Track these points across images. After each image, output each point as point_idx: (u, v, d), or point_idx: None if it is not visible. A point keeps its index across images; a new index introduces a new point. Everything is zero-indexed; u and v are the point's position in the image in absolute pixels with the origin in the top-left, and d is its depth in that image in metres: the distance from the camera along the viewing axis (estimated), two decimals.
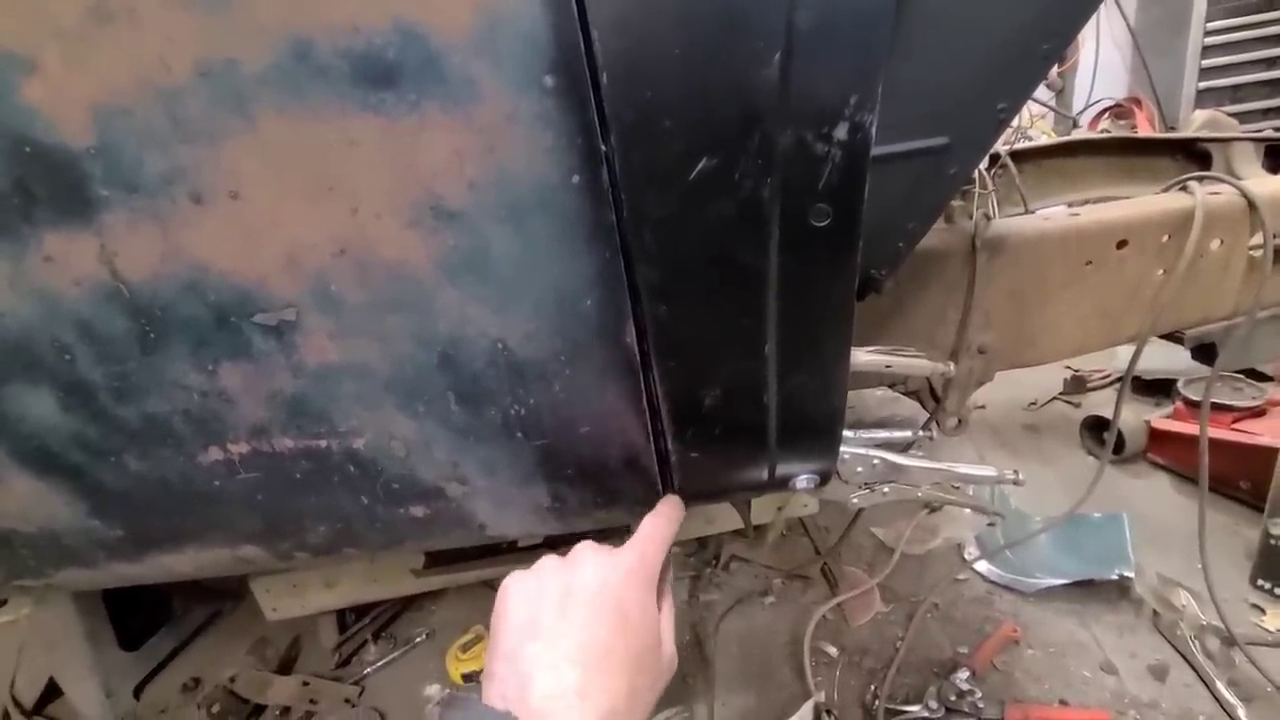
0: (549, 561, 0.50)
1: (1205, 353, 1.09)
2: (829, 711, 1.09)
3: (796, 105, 0.42)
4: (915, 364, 0.75)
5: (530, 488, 0.57)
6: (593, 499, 0.58)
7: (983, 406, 2.07)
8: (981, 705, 1.04)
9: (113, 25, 0.40)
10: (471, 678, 1.31)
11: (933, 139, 0.56)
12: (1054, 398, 2.05)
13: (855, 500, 0.70)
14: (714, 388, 0.52)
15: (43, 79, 0.41)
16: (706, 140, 0.43)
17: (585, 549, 0.51)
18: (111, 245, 0.46)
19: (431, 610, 1.56)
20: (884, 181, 0.57)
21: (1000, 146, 1.83)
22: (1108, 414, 1.60)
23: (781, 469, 0.59)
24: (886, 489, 0.70)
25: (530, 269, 0.47)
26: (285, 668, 1.44)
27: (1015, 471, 0.71)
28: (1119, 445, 1.63)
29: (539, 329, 0.49)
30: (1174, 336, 1.12)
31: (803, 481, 0.60)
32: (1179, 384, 1.65)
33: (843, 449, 0.69)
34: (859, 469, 0.69)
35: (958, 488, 0.74)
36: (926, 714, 1.05)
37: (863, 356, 0.73)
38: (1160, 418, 1.64)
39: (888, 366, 0.74)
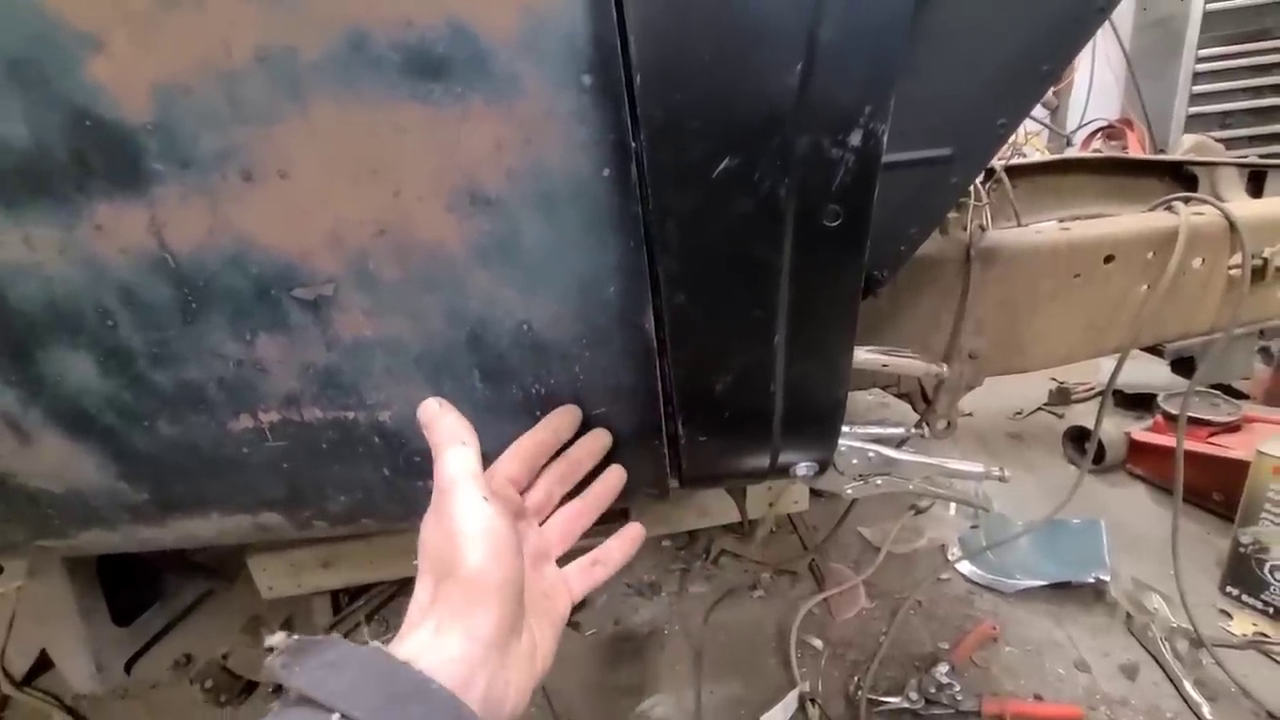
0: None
1: (1184, 366, 1.14)
2: (813, 701, 1.13)
3: (815, 112, 0.45)
4: (910, 364, 0.79)
5: None
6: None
7: (970, 414, 2.12)
8: (960, 698, 1.08)
9: (179, 9, 0.42)
10: None
11: (937, 149, 0.60)
12: (1039, 408, 2.11)
13: (849, 491, 0.73)
14: (725, 375, 0.55)
15: (108, 57, 0.43)
16: (730, 141, 0.46)
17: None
18: (161, 217, 0.48)
19: None
20: (890, 187, 0.60)
21: (995, 162, 1.89)
22: (1090, 425, 1.65)
23: (783, 456, 0.62)
24: (880, 481, 0.73)
25: (559, 256, 0.49)
26: None
27: (1001, 468, 0.75)
28: (1100, 455, 1.69)
29: (563, 313, 0.52)
30: (1155, 350, 1.17)
31: (802, 469, 0.63)
32: (1159, 398, 1.71)
33: (839, 441, 0.73)
34: (854, 460, 0.73)
35: (948, 483, 0.77)
36: (907, 705, 1.09)
37: (862, 354, 0.77)
38: (1140, 430, 1.69)
39: (884, 365, 0.77)
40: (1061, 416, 2.05)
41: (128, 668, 1.45)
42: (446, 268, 0.50)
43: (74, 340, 0.53)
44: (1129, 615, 1.22)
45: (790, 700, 1.14)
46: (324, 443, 0.57)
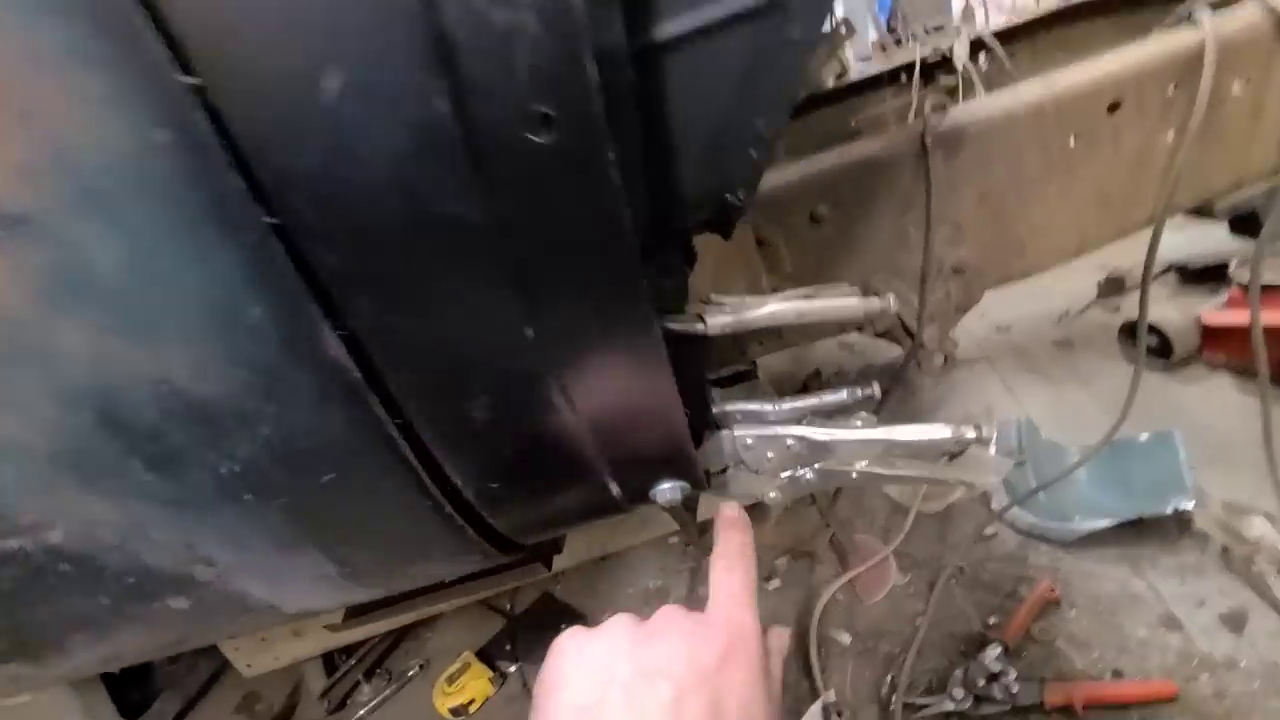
0: (622, 624, 0.39)
1: (1246, 224, 0.88)
2: (839, 714, 0.95)
3: None
4: (839, 305, 0.58)
5: (300, 556, 0.43)
6: (388, 558, 0.45)
7: (1007, 328, 1.85)
8: (1016, 690, 0.87)
9: None
10: (460, 711, 1.22)
11: None
12: (1088, 305, 1.81)
13: (774, 495, 0.55)
14: (476, 396, 0.37)
15: None
16: (329, 38, 0.28)
17: (671, 615, 0.40)
18: None
19: (426, 638, 1.48)
20: (706, 68, 0.41)
21: (985, 29, 1.59)
22: (1153, 316, 1.37)
23: (626, 483, 0.44)
24: (810, 474, 0.54)
25: (153, 276, 0.33)
26: (283, 718, 1.39)
27: (978, 427, 0.54)
28: (1166, 348, 1.41)
29: (205, 358, 0.35)
30: (1205, 211, 0.91)
31: (666, 494, 0.45)
32: (1231, 267, 1.40)
33: (745, 432, 0.54)
34: (769, 454, 0.54)
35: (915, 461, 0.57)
36: (951, 705, 0.90)
37: (770, 308, 0.56)
38: (1212, 310, 1.40)
39: (801, 315, 0.57)
40: (1117, 310, 1.75)
41: None
42: (11, 326, 0.34)
43: None
44: (1225, 548, 0.97)
45: (812, 716, 0.96)
46: (3, 582, 0.43)
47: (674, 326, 0.51)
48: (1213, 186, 0.83)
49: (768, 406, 0.60)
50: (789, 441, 0.53)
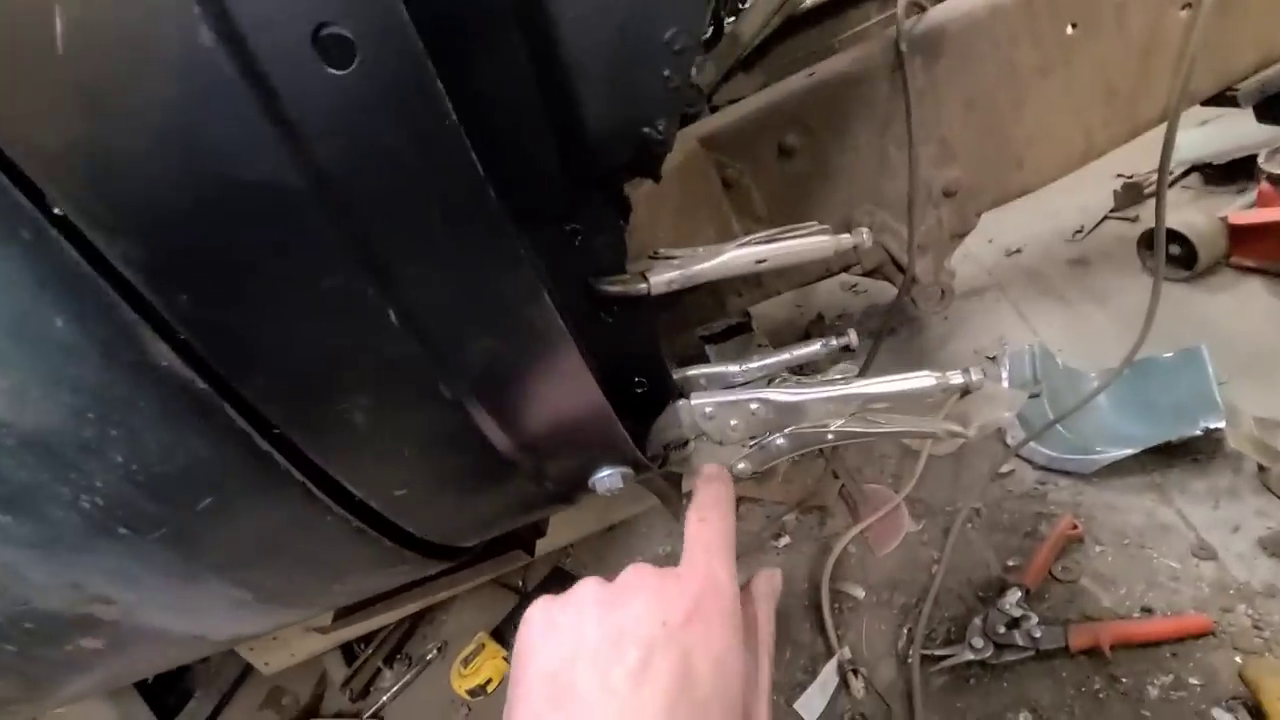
0: (589, 587, 0.38)
1: (1275, 108, 0.78)
2: (855, 671, 0.92)
3: None
4: (803, 246, 0.51)
5: (203, 585, 0.39)
6: (304, 579, 0.40)
7: (1018, 251, 1.75)
8: (1038, 634, 0.83)
9: None
10: (478, 692, 1.22)
11: None
12: (1104, 218, 1.69)
13: (741, 466, 0.49)
14: (349, 396, 0.31)
15: None
16: None
17: (640, 572, 0.38)
18: None
19: (442, 620, 1.48)
20: None
21: None
22: (1174, 222, 1.27)
23: (554, 476, 0.38)
24: (781, 440, 0.48)
25: None
26: (311, 712, 1.40)
27: (969, 369, 0.48)
28: (1190, 255, 1.30)
29: (17, 383, 0.30)
30: (1227, 98, 0.81)
31: (605, 482, 0.40)
32: (1260, 159, 1.29)
33: (703, 400, 0.48)
34: (733, 422, 0.48)
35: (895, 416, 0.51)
36: (971, 655, 0.85)
37: (719, 258, 0.50)
38: (1240, 209, 1.29)
39: (760, 261, 0.50)
40: (1135, 220, 1.63)
41: None
42: None
43: None
44: (1261, 468, 0.90)
45: (828, 674, 0.93)
46: None
47: (611, 289, 0.45)
48: (1235, 68, 0.73)
49: (733, 368, 0.54)
50: (753, 406, 0.47)
